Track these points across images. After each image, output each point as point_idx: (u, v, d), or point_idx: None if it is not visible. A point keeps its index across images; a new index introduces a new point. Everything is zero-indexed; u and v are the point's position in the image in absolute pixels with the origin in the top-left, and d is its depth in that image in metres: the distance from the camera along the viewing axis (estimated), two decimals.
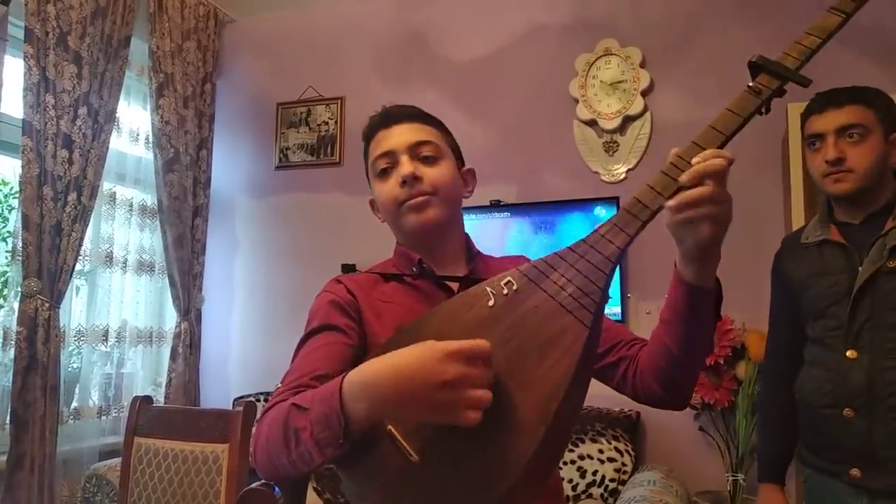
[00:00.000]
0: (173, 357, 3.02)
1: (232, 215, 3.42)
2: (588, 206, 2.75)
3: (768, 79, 0.82)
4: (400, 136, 1.03)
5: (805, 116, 1.47)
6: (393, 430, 0.72)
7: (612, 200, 2.70)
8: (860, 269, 1.36)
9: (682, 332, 0.87)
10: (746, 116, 0.80)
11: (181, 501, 1.72)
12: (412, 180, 1.00)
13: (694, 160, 0.77)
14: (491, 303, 0.79)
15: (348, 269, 3.11)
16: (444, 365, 0.67)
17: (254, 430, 0.96)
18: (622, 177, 2.79)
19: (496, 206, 2.89)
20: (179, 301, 3.04)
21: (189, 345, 3.05)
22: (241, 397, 3.01)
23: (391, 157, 1.03)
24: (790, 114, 2.20)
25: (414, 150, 1.02)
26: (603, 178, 2.81)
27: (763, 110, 0.82)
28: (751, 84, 0.82)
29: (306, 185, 3.31)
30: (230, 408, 2.98)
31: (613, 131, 2.81)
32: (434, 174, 1.02)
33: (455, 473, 0.72)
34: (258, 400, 2.98)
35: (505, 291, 0.79)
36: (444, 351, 0.68)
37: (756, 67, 0.83)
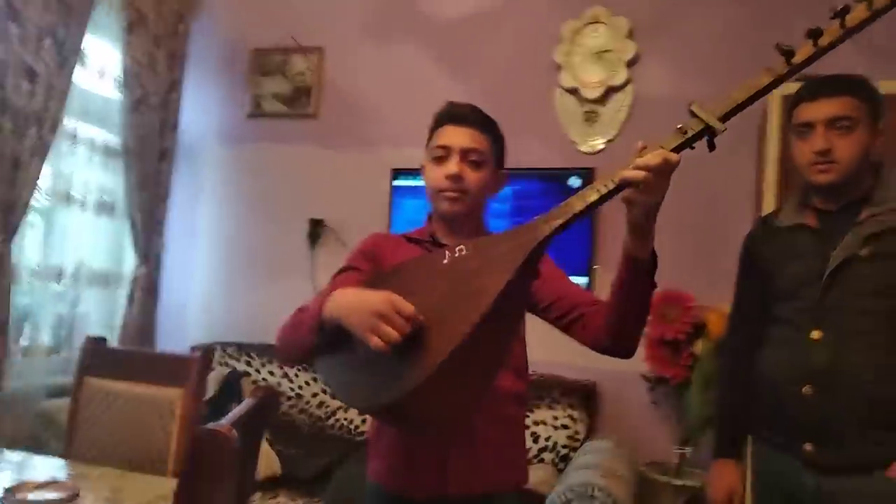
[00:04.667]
0: (130, 301, 2.97)
1: (199, 162, 3.33)
2: (562, 176, 2.74)
3: (695, 122, 0.99)
4: (460, 137, 1.27)
5: (795, 102, 1.46)
6: (356, 335, 0.99)
7: (588, 171, 2.69)
8: (833, 254, 1.38)
9: (623, 293, 1.10)
10: (675, 147, 0.98)
11: (131, 443, 1.69)
12: (455, 178, 1.25)
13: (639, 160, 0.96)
14: (444, 261, 1.03)
15: (316, 224, 3.09)
16: (381, 302, 0.97)
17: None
18: (600, 148, 2.78)
19: None
20: (140, 245, 2.97)
21: (147, 290, 3.00)
22: (199, 346, 2.97)
23: (447, 150, 1.27)
24: (772, 95, 2.20)
25: (465, 153, 1.26)
26: (580, 148, 2.80)
27: (704, 145, 1.00)
28: (679, 126, 1.00)
29: (279, 136, 3.24)
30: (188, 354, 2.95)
31: (595, 101, 2.79)
32: (473, 178, 1.26)
33: (382, 375, 0.96)
34: (215, 349, 2.95)
35: (457, 254, 1.02)
36: (389, 295, 0.98)
37: (691, 113, 1.00)
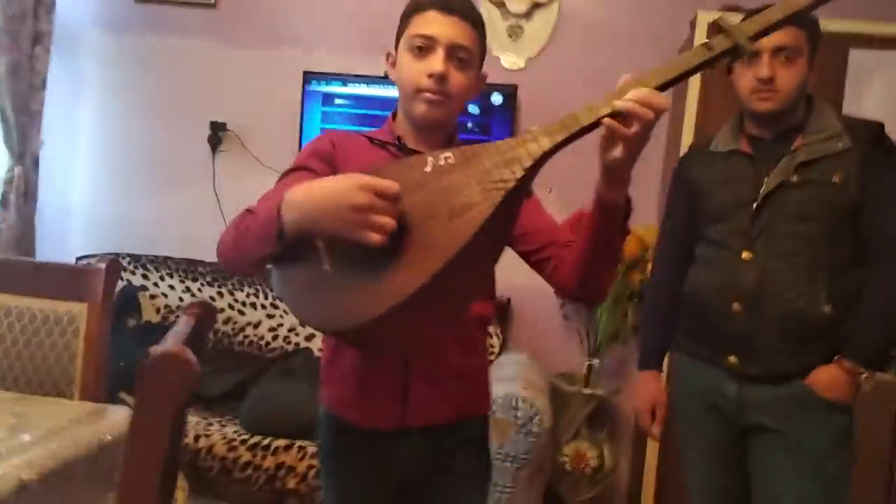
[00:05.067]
0: (4, 205, 2.64)
1: (80, 50, 2.94)
2: (485, 93, 2.67)
3: (722, 38, 0.90)
4: (449, 29, 1.08)
5: None
6: (320, 244, 0.87)
7: (510, 89, 2.64)
8: (766, 180, 1.44)
9: (593, 238, 1.00)
10: (692, 68, 0.90)
11: (29, 364, 1.52)
12: (440, 79, 1.07)
13: (630, 93, 0.86)
14: (427, 169, 0.91)
15: (218, 127, 2.85)
16: (356, 192, 0.82)
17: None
18: (522, 65, 2.72)
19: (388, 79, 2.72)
20: (13, 142, 2.61)
21: (24, 193, 2.67)
22: (85, 256, 2.72)
23: (431, 42, 1.08)
24: (699, 20, 2.22)
25: (453, 49, 1.08)
26: (503, 64, 2.73)
27: (719, 64, 0.92)
28: (705, 42, 0.91)
29: (173, 25, 2.90)
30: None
31: (520, 16, 2.70)
32: (458, 80, 1.09)
33: (350, 290, 0.86)
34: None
35: (441, 163, 0.91)
36: (360, 181, 0.83)
37: (718, 28, 0.92)
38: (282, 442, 2.05)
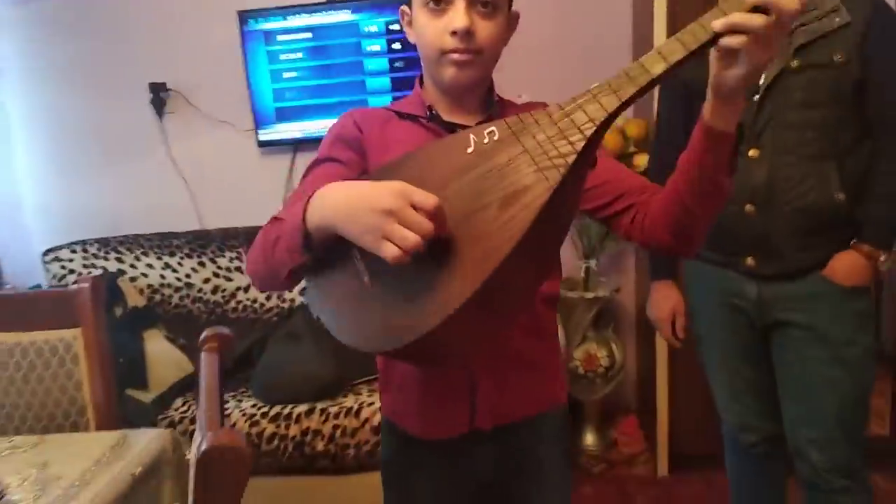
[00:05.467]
0: None
1: None
2: None
3: None
4: None
5: None
6: (356, 253, 0.78)
7: None
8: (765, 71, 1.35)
9: (696, 177, 0.85)
10: None
11: (34, 401, 1.45)
12: (464, 35, 0.91)
13: (733, 16, 0.70)
14: (470, 150, 0.78)
15: (158, 88, 2.63)
16: (389, 196, 0.70)
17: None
18: None
19: (334, 2, 2.51)
20: None
21: None
22: (52, 249, 2.58)
23: None
24: None
25: None
26: None
27: None
28: None
29: None
30: (39, 261, 2.56)
31: None
32: (487, 31, 0.93)
33: (395, 304, 0.75)
34: (74, 251, 2.58)
35: (486, 140, 0.77)
36: (397, 187, 0.71)
37: None
38: (302, 408, 2.04)
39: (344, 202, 0.75)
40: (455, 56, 0.93)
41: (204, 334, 1.25)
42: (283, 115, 2.61)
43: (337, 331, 0.80)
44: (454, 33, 0.91)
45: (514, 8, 0.99)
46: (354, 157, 0.98)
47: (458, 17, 0.90)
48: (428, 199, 0.70)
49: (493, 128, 0.77)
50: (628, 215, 0.97)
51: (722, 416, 1.65)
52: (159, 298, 2.56)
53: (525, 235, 0.70)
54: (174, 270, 2.59)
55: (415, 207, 0.69)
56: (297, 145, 2.67)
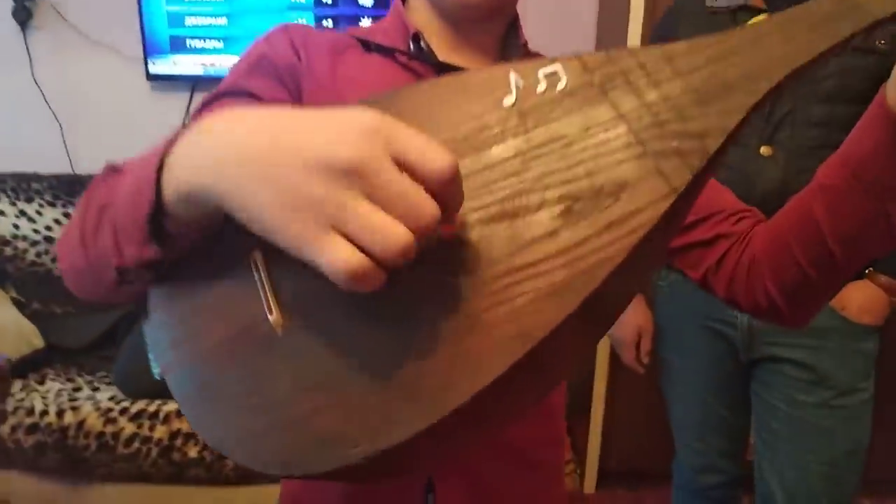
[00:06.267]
0: None
1: None
2: None
3: None
4: None
5: None
6: (257, 262, 0.41)
7: None
8: None
9: (860, 210, 0.51)
10: None
11: None
12: None
13: None
14: (509, 101, 0.41)
15: None
16: (352, 136, 0.32)
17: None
18: None
19: None
20: None
21: None
22: None
23: None
24: None
25: None
26: None
27: None
28: None
29: None
30: None
31: None
32: None
33: (337, 373, 0.38)
34: None
35: (541, 88, 0.41)
36: (367, 119, 0.33)
37: None
38: (172, 406, 1.66)
39: (249, 148, 0.35)
40: None
41: None
42: (180, 45, 2.16)
43: (197, 421, 0.42)
44: None
45: None
46: (281, 94, 0.60)
47: None
48: (433, 152, 0.33)
49: (555, 69, 0.41)
50: (715, 249, 0.62)
51: (680, 453, 1.40)
52: (11, 252, 2.10)
53: (613, 272, 0.36)
54: (31, 220, 2.12)
55: (403, 164, 0.33)
56: (196, 83, 2.23)
